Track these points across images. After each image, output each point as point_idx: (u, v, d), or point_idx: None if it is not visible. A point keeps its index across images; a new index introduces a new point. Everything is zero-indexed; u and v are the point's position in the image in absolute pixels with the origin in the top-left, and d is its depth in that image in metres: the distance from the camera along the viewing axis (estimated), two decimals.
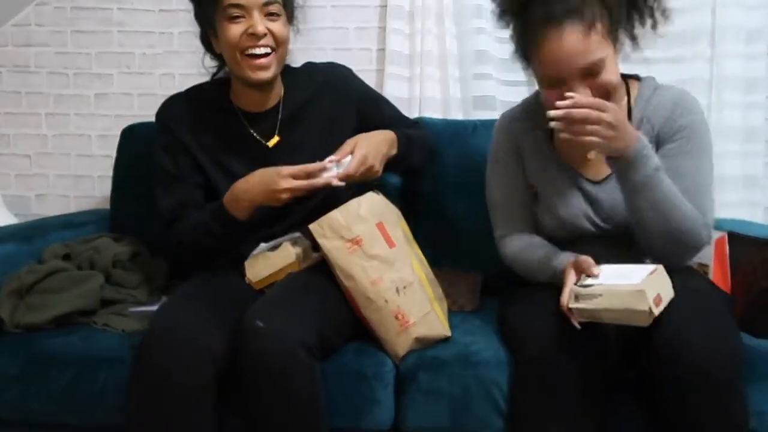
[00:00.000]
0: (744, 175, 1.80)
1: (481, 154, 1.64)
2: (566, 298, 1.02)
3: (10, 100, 2.06)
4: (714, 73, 1.80)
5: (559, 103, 1.01)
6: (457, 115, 1.88)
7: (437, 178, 1.66)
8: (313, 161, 1.31)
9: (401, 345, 1.18)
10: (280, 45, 1.24)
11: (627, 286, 0.94)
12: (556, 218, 1.24)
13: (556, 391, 1.00)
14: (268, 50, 1.22)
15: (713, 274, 1.34)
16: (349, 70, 1.43)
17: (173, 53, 2.01)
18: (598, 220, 1.21)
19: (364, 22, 1.96)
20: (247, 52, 1.21)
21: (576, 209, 1.22)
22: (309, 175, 1.15)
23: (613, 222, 1.19)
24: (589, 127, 1.00)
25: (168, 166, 1.30)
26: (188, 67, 2.01)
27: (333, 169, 1.17)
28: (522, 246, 1.26)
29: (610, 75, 1.08)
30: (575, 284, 1.02)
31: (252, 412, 1.07)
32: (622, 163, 1.06)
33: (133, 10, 2.01)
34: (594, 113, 0.99)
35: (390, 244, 1.19)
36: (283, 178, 1.14)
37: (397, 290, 1.17)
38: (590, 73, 1.07)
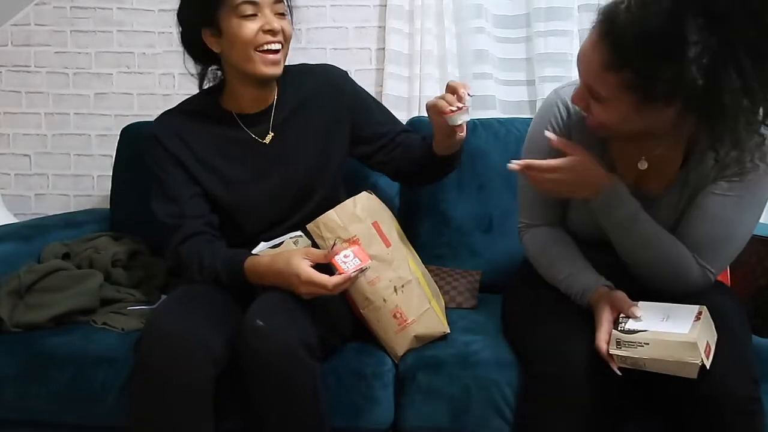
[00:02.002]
0: None
1: (480, 153, 1.65)
2: (604, 342, 0.97)
3: (9, 99, 2.06)
4: None
5: (513, 162, 1.03)
6: None
7: None
8: (308, 163, 1.32)
9: (400, 343, 1.19)
10: (287, 42, 1.25)
11: (677, 336, 0.89)
12: (587, 217, 1.13)
13: (567, 406, 0.98)
14: (279, 46, 1.23)
15: None
16: (344, 74, 1.41)
17: (173, 53, 2.01)
18: None
19: (363, 21, 1.96)
20: (261, 48, 1.21)
21: None
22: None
23: None
24: (546, 184, 1.03)
25: (162, 178, 1.28)
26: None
27: (349, 256, 1.09)
28: (544, 243, 1.19)
29: (605, 114, 0.99)
30: (616, 328, 0.96)
31: (253, 411, 1.07)
32: (595, 206, 1.06)
33: (133, 9, 2.01)
34: (546, 176, 1.02)
35: (386, 243, 1.19)
36: (303, 284, 1.08)
37: (395, 289, 1.17)
38: (591, 94, 1.00)
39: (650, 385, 1.07)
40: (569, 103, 1.12)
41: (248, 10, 1.19)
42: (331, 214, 1.16)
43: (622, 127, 1.00)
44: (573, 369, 0.98)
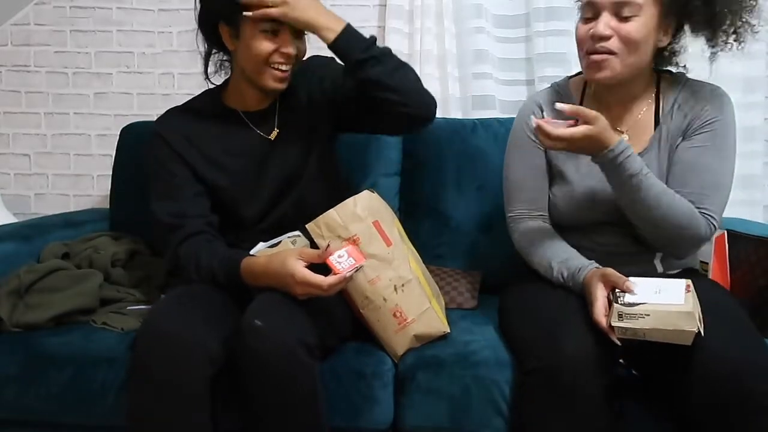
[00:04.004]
0: (743, 175, 1.79)
1: (480, 153, 1.65)
2: (602, 316, 1.02)
3: (9, 99, 2.06)
4: (713, 72, 1.80)
5: (533, 120, 1.08)
6: (456, 114, 1.88)
7: (436, 177, 1.66)
8: (310, 156, 1.33)
9: (400, 343, 1.19)
10: (299, 59, 1.28)
11: (675, 307, 0.96)
12: (574, 198, 1.23)
13: (562, 401, 0.98)
14: (290, 66, 1.25)
15: (712, 272, 1.35)
16: (327, 60, 1.40)
17: (172, 52, 2.02)
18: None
19: (363, 21, 1.96)
20: (273, 66, 1.23)
21: (598, 183, 1.20)
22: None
23: None
24: (556, 147, 1.09)
25: (164, 176, 1.28)
26: (187, 66, 2.01)
27: (343, 256, 1.09)
28: (536, 235, 1.25)
29: (637, 29, 1.12)
30: (616, 302, 1.01)
31: (252, 411, 1.07)
32: (604, 164, 1.10)
33: (133, 9, 2.01)
34: (557, 144, 1.07)
35: (387, 242, 1.19)
36: (298, 285, 1.08)
37: (395, 288, 1.17)
38: (620, 15, 1.11)
39: (651, 382, 1.08)
40: (543, 104, 1.30)
41: (268, 27, 1.20)
42: (332, 213, 1.16)
43: (641, 49, 1.13)
44: (566, 364, 0.98)
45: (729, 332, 0.99)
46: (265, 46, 1.21)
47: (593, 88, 1.27)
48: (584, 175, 1.23)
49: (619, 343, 1.00)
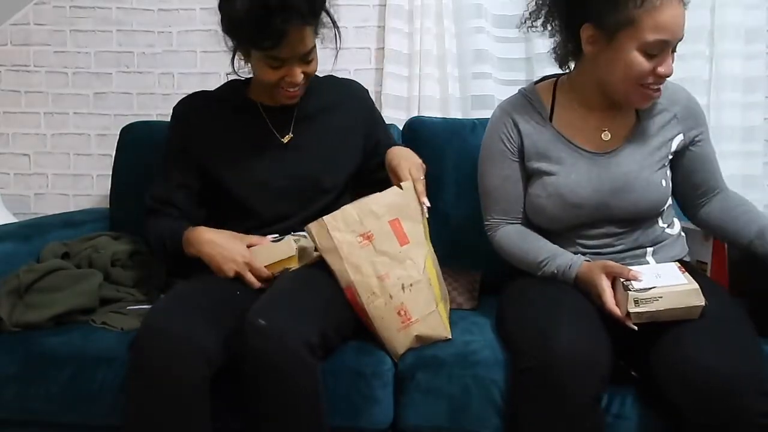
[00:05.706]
0: (743, 175, 1.80)
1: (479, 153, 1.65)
2: (614, 305, 1.07)
3: (9, 99, 2.06)
4: (713, 72, 1.80)
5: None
6: (455, 114, 1.88)
7: (436, 177, 1.66)
8: (320, 166, 1.37)
9: (401, 342, 1.18)
10: (310, 77, 1.31)
11: (682, 287, 1.04)
12: (561, 194, 1.22)
13: (555, 400, 0.98)
14: (299, 86, 1.29)
15: (711, 272, 1.34)
16: (366, 90, 1.51)
17: (172, 52, 2.02)
18: (606, 191, 1.20)
19: (363, 20, 1.96)
20: (281, 87, 1.28)
21: (583, 177, 1.22)
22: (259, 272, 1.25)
23: (622, 194, 1.19)
24: None
25: (167, 158, 1.38)
26: (187, 66, 2.01)
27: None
28: (516, 235, 1.28)
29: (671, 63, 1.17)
30: (629, 290, 1.05)
31: (253, 411, 1.07)
32: None
33: (132, 9, 2.01)
34: None
35: (401, 241, 1.19)
36: (241, 263, 1.23)
37: (403, 287, 1.17)
38: (674, 50, 1.15)
39: (649, 382, 1.08)
40: (513, 113, 1.30)
41: (274, 63, 1.24)
42: (349, 208, 1.18)
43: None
44: (559, 363, 0.98)
45: (721, 344, 0.98)
46: (271, 75, 1.25)
47: (568, 87, 1.29)
48: (569, 167, 1.23)
49: (635, 327, 1.05)
